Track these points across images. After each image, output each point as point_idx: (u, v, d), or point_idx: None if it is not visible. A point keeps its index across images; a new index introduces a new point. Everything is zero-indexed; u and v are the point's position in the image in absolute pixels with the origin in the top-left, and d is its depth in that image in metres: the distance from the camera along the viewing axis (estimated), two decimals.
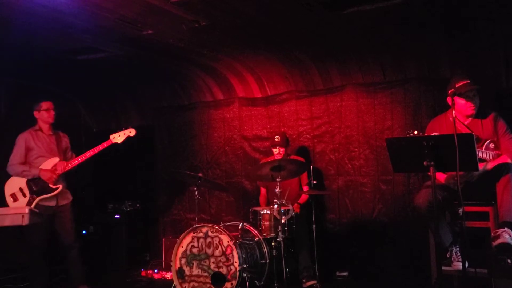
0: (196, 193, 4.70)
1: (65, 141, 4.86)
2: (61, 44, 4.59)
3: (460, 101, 3.66)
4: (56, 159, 4.61)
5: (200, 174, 4.82)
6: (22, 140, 4.63)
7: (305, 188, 5.05)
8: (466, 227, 3.25)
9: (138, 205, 6.28)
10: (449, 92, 3.42)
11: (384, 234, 4.95)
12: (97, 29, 4.20)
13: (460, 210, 3.19)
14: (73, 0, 3.54)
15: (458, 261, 3.61)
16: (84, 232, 6.10)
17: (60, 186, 4.57)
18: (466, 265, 3.34)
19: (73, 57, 5.01)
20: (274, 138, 5.04)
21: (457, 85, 3.61)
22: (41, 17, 3.83)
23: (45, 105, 4.69)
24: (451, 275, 3.74)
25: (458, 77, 3.70)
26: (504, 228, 3.35)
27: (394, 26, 4.26)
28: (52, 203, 4.57)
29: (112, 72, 5.76)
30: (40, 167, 4.56)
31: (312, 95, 5.48)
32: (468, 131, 3.66)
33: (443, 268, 3.64)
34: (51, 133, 4.76)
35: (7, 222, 4.30)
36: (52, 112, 4.71)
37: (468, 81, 3.64)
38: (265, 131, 5.76)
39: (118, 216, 6.03)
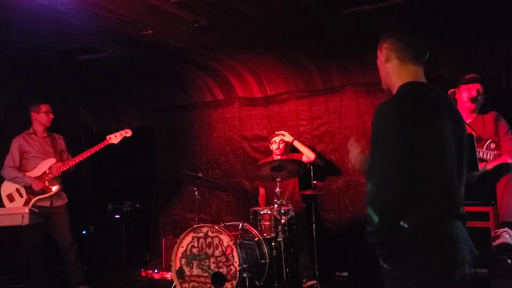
0: (196, 193, 4.70)
1: (61, 142, 4.86)
2: (61, 44, 4.59)
3: (463, 94, 3.72)
4: (52, 160, 4.61)
5: (200, 174, 4.83)
6: (16, 144, 4.64)
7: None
8: (466, 227, 3.24)
9: (138, 205, 6.28)
10: (449, 92, 3.43)
11: None
12: (97, 29, 4.19)
13: None
14: (73, 0, 3.54)
15: None
16: (84, 232, 6.10)
17: (57, 186, 4.59)
18: None
19: (73, 57, 5.01)
20: (275, 132, 5.12)
21: (467, 77, 3.76)
22: (41, 17, 3.83)
23: (44, 107, 4.70)
24: None
25: (470, 72, 3.84)
26: (504, 228, 3.35)
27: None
28: (47, 203, 4.57)
29: (112, 72, 5.76)
30: (36, 168, 4.56)
31: (312, 95, 5.48)
32: (469, 130, 3.67)
33: None
34: (45, 135, 4.76)
35: (7, 222, 4.31)
36: (51, 115, 4.73)
37: (479, 76, 3.78)
38: (265, 131, 5.76)
39: (118, 216, 6.03)
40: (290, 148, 5.37)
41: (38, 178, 4.53)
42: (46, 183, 4.54)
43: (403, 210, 1.66)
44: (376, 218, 1.68)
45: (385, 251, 1.72)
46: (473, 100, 3.74)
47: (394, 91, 1.88)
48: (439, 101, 1.80)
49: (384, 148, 1.69)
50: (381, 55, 1.95)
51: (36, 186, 4.49)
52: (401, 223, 1.65)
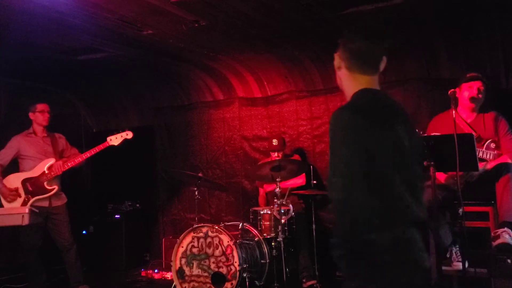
0: (196, 193, 4.70)
1: (62, 142, 4.84)
2: (61, 44, 4.59)
3: (464, 93, 3.72)
4: (51, 160, 4.60)
5: (200, 174, 4.83)
6: (14, 143, 4.61)
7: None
8: (466, 227, 3.25)
9: (138, 205, 6.28)
10: (449, 92, 3.42)
11: None
12: (97, 29, 4.20)
13: (460, 210, 3.20)
14: (73, 0, 3.54)
15: (458, 261, 3.61)
16: (84, 232, 6.10)
17: (56, 187, 4.56)
18: (466, 265, 3.34)
19: (73, 57, 5.01)
20: (272, 141, 5.04)
21: (468, 75, 3.75)
22: (41, 17, 3.83)
23: (40, 107, 4.67)
24: (451, 275, 3.74)
25: (471, 71, 3.83)
26: (504, 228, 3.35)
27: (394, 26, 4.26)
28: (45, 203, 4.55)
29: (112, 72, 5.76)
30: (35, 168, 4.55)
31: (312, 95, 5.49)
32: (470, 130, 3.67)
33: (443, 268, 3.64)
34: (45, 135, 4.73)
35: (7, 222, 4.31)
36: (47, 115, 4.68)
37: (480, 74, 3.77)
38: (265, 131, 5.76)
39: (118, 216, 6.03)
40: (290, 150, 5.38)
41: (37, 177, 4.53)
42: (45, 183, 4.53)
43: (369, 219, 1.64)
44: (344, 228, 1.65)
45: (350, 262, 1.68)
46: (472, 99, 3.74)
47: (348, 98, 1.86)
48: (394, 108, 1.81)
49: (344, 155, 1.66)
50: (334, 62, 1.92)
51: (2, 192, 4.45)
52: (368, 233, 1.63)
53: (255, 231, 4.53)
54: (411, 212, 1.71)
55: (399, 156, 1.71)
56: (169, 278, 5.13)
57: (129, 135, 4.68)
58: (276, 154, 5.01)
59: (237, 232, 4.43)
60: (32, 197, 4.49)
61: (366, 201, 1.63)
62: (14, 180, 4.55)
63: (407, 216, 1.70)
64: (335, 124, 1.70)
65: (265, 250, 4.42)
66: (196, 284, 4.31)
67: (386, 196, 1.67)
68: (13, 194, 4.46)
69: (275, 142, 5.01)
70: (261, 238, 4.47)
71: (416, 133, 1.86)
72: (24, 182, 4.53)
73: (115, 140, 4.65)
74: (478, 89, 3.73)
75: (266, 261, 4.37)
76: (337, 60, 1.89)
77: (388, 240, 1.65)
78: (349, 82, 1.86)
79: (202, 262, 4.31)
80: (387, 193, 1.68)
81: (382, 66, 1.85)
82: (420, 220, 1.74)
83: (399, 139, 1.73)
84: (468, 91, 3.75)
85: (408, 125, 1.80)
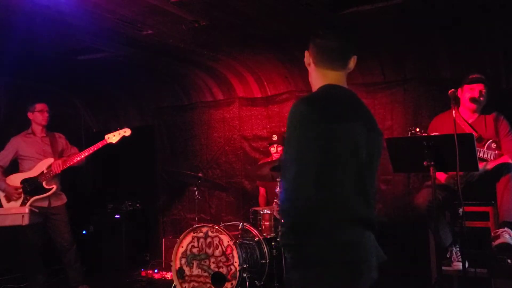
0: (196, 193, 4.70)
1: (61, 142, 4.84)
2: (61, 44, 4.59)
3: (466, 94, 3.72)
4: (50, 160, 4.60)
5: (200, 174, 4.83)
6: (13, 144, 4.62)
7: None
8: (466, 227, 3.25)
9: (138, 205, 6.27)
10: (449, 92, 3.41)
11: (384, 234, 4.93)
12: (97, 29, 4.20)
13: (460, 210, 3.20)
14: (73, 0, 3.54)
15: (458, 261, 3.61)
16: (84, 232, 6.10)
17: (54, 186, 4.56)
18: (466, 265, 3.34)
19: (73, 57, 5.01)
20: (272, 137, 5.08)
21: (470, 77, 3.74)
22: (42, 18, 3.83)
23: (39, 106, 4.67)
24: (451, 275, 3.74)
25: (474, 72, 3.82)
26: (504, 228, 3.36)
27: (394, 26, 4.26)
28: (45, 203, 4.55)
29: (112, 72, 5.76)
30: (34, 168, 4.55)
31: None
32: (471, 130, 3.67)
33: (443, 268, 3.64)
34: (44, 135, 4.73)
35: (7, 222, 4.31)
36: (46, 114, 4.69)
37: (483, 76, 3.77)
38: (265, 131, 5.76)
39: (118, 216, 6.03)
40: None
41: (36, 177, 4.52)
42: (44, 183, 4.53)
43: (317, 211, 1.63)
44: (291, 218, 1.65)
45: (295, 256, 1.67)
46: (473, 100, 3.74)
47: None
48: (355, 105, 1.81)
49: (297, 145, 1.67)
50: (304, 59, 1.95)
51: (6, 190, 4.47)
52: (312, 228, 1.63)
53: (255, 231, 4.53)
54: (357, 213, 1.69)
55: (352, 156, 1.70)
56: (169, 278, 5.13)
57: (127, 132, 4.67)
58: (275, 149, 5.02)
59: (237, 232, 4.43)
60: (31, 197, 4.49)
61: (314, 195, 1.63)
62: (13, 181, 4.56)
63: (351, 217, 1.68)
64: (291, 114, 1.71)
65: (265, 250, 4.42)
66: (196, 284, 4.31)
67: (333, 193, 1.66)
68: (18, 192, 4.47)
69: (274, 137, 5.09)
70: (261, 238, 4.47)
71: (379, 139, 1.84)
72: (23, 182, 4.53)
73: (113, 137, 4.63)
74: (480, 92, 3.72)
75: (266, 261, 4.37)
76: (306, 57, 1.93)
77: (332, 237, 1.65)
78: (316, 77, 1.89)
79: (202, 262, 4.31)
80: (334, 190, 1.67)
81: (351, 64, 1.88)
82: (368, 222, 1.73)
83: (355, 138, 1.71)
84: (469, 93, 3.74)
85: (370, 128, 1.78)
